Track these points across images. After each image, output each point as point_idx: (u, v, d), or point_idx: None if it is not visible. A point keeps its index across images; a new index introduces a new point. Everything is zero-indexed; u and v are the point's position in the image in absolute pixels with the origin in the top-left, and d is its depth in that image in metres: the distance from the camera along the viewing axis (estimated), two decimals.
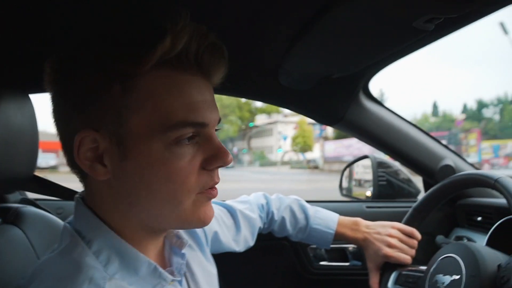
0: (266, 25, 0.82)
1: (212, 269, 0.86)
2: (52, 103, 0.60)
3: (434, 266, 0.89)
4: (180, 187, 0.58)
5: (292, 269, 1.40)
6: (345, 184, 1.68)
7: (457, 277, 0.81)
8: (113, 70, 0.55)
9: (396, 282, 1.04)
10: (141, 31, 0.59)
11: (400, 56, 0.95)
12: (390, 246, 1.06)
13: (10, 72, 1.02)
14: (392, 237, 1.06)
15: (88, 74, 0.56)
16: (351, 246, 1.38)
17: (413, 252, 1.07)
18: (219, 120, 0.64)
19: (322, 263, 1.39)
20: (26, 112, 0.89)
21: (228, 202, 1.11)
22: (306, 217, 1.15)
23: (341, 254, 1.40)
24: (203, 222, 0.62)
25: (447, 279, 0.84)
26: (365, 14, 0.69)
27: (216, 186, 0.64)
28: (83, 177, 0.62)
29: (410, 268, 1.03)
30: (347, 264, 1.39)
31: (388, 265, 1.07)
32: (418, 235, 1.08)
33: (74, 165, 0.60)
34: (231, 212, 1.08)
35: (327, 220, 1.14)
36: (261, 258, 1.42)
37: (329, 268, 1.39)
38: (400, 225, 1.10)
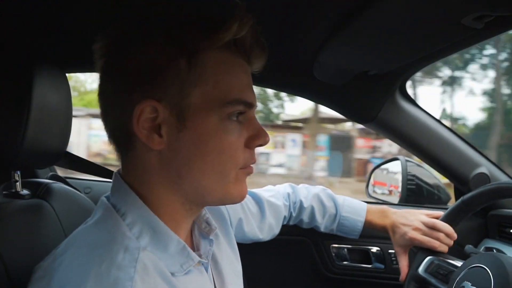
0: (305, 15, 0.80)
1: (237, 263, 0.86)
2: (106, 76, 0.62)
3: (462, 274, 0.86)
4: (230, 160, 0.61)
5: (313, 266, 1.38)
6: (372, 186, 1.64)
7: None
8: (183, 44, 0.58)
9: (426, 269, 1.02)
10: (211, 10, 0.61)
11: (443, 55, 0.91)
12: (415, 229, 1.05)
13: (49, 49, 1.04)
14: (418, 221, 1.06)
15: (155, 48, 0.58)
16: (374, 248, 1.35)
17: (441, 242, 1.04)
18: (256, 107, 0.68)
19: (344, 262, 1.37)
20: (62, 89, 0.90)
21: (254, 190, 1.10)
22: (335, 206, 1.15)
23: (364, 256, 1.37)
24: (242, 197, 0.66)
25: None
26: (411, 8, 0.66)
27: None
28: (127, 151, 0.63)
29: (445, 258, 1.00)
30: (369, 266, 1.36)
31: (422, 250, 1.05)
32: (442, 227, 1.04)
33: (120, 137, 0.62)
34: (257, 199, 1.08)
35: (357, 208, 1.14)
36: (281, 252, 1.41)
37: (351, 268, 1.36)
38: (427, 212, 1.09)
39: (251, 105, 0.63)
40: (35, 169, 1.30)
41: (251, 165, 0.66)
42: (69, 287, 0.51)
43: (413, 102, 1.23)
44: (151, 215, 0.61)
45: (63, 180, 1.19)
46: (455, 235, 1.04)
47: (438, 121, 1.25)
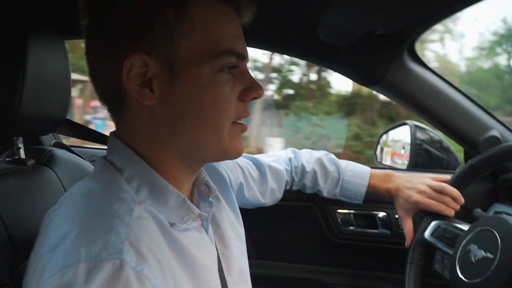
0: None
1: (240, 227, 0.86)
2: (92, 33, 0.60)
3: (469, 237, 0.85)
4: (223, 112, 0.60)
5: (319, 232, 1.39)
6: (380, 151, 1.62)
7: (491, 256, 0.77)
8: None
9: (432, 233, 1.01)
10: None
11: (456, 9, 0.86)
12: (420, 192, 1.03)
13: (45, 15, 1.02)
14: (424, 184, 1.04)
15: (141, 0, 0.56)
16: (381, 213, 1.34)
17: (447, 206, 1.02)
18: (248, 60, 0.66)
19: (350, 228, 1.37)
20: (59, 56, 0.89)
21: (255, 155, 1.10)
22: (338, 170, 1.14)
23: (370, 221, 1.36)
24: (238, 152, 0.65)
25: (480, 253, 0.80)
26: None
27: None
28: (120, 110, 0.62)
29: (451, 222, 0.99)
30: (375, 231, 1.35)
31: (428, 214, 1.04)
32: (449, 191, 1.02)
33: (111, 97, 0.62)
34: (258, 164, 1.07)
35: (360, 172, 1.13)
36: (287, 218, 1.41)
37: (357, 233, 1.36)
38: (433, 176, 1.07)
39: (243, 57, 0.62)
40: (38, 136, 1.31)
41: (245, 123, 0.66)
42: (62, 234, 0.51)
43: (422, 63, 1.18)
44: (149, 169, 0.61)
45: (67, 147, 1.19)
46: (462, 200, 1.02)
47: (449, 82, 1.21)
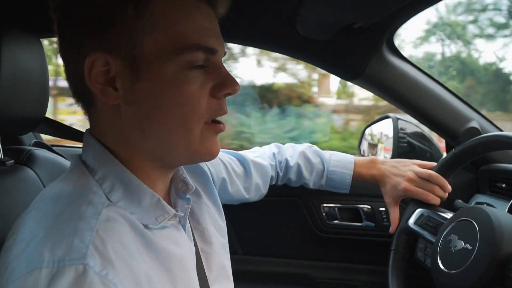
0: None
1: (221, 221, 0.85)
2: (60, 30, 0.59)
3: (450, 227, 0.86)
4: (192, 112, 0.58)
5: (304, 226, 1.39)
6: (364, 144, 1.63)
7: (470, 247, 0.78)
8: None
9: (416, 221, 1.02)
10: None
11: (433, 1, 0.86)
12: (408, 180, 1.03)
13: (20, 13, 1.01)
14: (411, 171, 1.04)
15: None
16: (365, 206, 1.35)
17: (433, 194, 1.03)
18: (225, 54, 0.64)
19: (335, 221, 1.37)
20: (36, 54, 0.88)
21: (239, 152, 1.09)
22: (322, 161, 1.14)
23: (354, 214, 1.37)
24: (211, 154, 0.63)
25: (460, 244, 0.81)
26: None
27: None
28: (89, 107, 0.62)
29: (435, 211, 1.00)
30: (360, 224, 1.36)
31: (413, 202, 1.05)
32: (437, 179, 1.02)
33: (80, 94, 0.61)
34: (241, 160, 1.07)
35: (344, 161, 1.13)
36: (273, 213, 1.41)
37: (341, 227, 1.37)
38: (420, 162, 1.07)
39: (213, 51, 0.59)
40: (16, 135, 1.29)
41: (220, 124, 0.63)
42: (28, 239, 0.50)
43: (401, 56, 1.19)
44: (122, 169, 0.60)
45: (47, 146, 1.17)
46: (449, 187, 1.03)
47: (428, 75, 1.22)
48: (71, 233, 0.49)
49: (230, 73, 0.62)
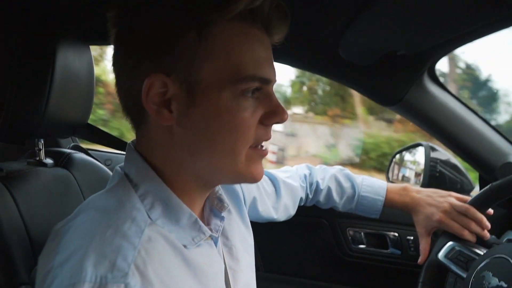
0: None
1: (249, 239, 0.86)
2: (118, 45, 0.60)
3: (484, 263, 0.84)
4: (241, 138, 0.59)
5: (328, 248, 1.38)
6: (393, 171, 1.61)
7: (505, 285, 0.76)
8: (192, 16, 0.55)
9: (447, 255, 0.98)
10: None
11: (480, 35, 0.85)
12: (445, 212, 1.00)
13: (72, 20, 1.04)
14: (448, 203, 1.01)
15: (165, 19, 0.56)
16: (392, 233, 1.33)
17: (469, 230, 0.98)
18: (275, 81, 0.65)
19: (360, 246, 1.36)
20: (84, 60, 0.91)
21: (270, 170, 1.09)
22: (353, 186, 1.12)
23: (381, 240, 1.35)
24: (255, 178, 0.63)
25: (495, 281, 0.79)
26: None
27: None
28: (138, 124, 0.63)
29: (467, 245, 0.97)
30: (386, 251, 1.34)
31: (445, 234, 1.01)
32: (473, 214, 0.98)
33: (132, 111, 0.62)
34: (272, 179, 1.07)
35: (376, 187, 1.11)
36: (298, 233, 1.41)
37: (367, 252, 1.35)
38: (456, 195, 1.03)
39: (267, 81, 0.60)
40: (58, 139, 1.32)
41: (264, 148, 0.64)
42: (73, 249, 0.52)
43: (441, 85, 1.18)
44: (164, 187, 0.60)
45: (84, 150, 1.21)
46: (487, 224, 0.98)
47: (467, 106, 1.21)
48: (115, 250, 0.51)
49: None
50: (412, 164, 1.52)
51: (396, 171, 1.61)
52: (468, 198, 1.05)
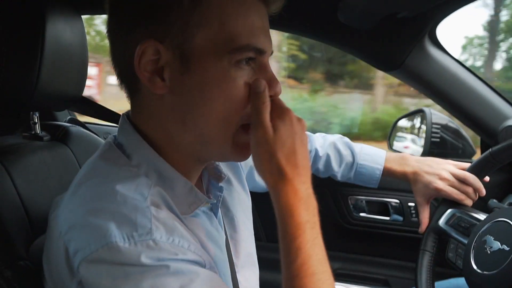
0: None
1: (248, 201, 0.86)
2: (112, 11, 0.59)
3: (485, 227, 0.84)
4: (235, 107, 0.58)
5: (330, 217, 1.39)
6: (394, 136, 1.60)
7: (507, 248, 0.76)
8: None
9: (447, 221, 0.99)
10: None
11: None
12: (442, 179, 1.00)
13: None
14: (446, 171, 1.00)
15: None
16: (393, 200, 1.33)
17: (467, 196, 0.99)
18: (271, 53, 0.63)
19: (362, 214, 1.36)
20: (76, 31, 0.88)
21: None
22: (352, 154, 1.11)
23: (383, 208, 1.36)
24: (244, 155, 0.63)
25: (496, 245, 0.79)
26: None
27: None
28: (133, 93, 0.62)
29: (467, 211, 0.97)
30: (387, 218, 1.35)
31: (444, 202, 1.02)
32: (473, 181, 0.98)
33: (126, 79, 0.61)
34: None
35: (375, 155, 1.10)
36: None
37: (368, 220, 1.36)
38: (455, 163, 1.02)
39: (262, 52, 0.59)
40: (54, 112, 1.31)
41: None
42: (84, 213, 0.52)
43: (443, 49, 1.16)
44: (156, 156, 0.60)
45: (81, 124, 1.19)
46: (483, 191, 0.99)
47: (469, 69, 1.18)
48: (132, 210, 0.51)
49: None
50: (414, 130, 1.51)
51: (397, 138, 1.60)
52: (467, 165, 1.04)
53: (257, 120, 0.58)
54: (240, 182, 0.86)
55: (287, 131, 0.59)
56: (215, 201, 0.69)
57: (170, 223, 0.53)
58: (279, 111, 0.60)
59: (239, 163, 0.89)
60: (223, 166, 0.76)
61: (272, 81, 0.60)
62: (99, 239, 0.49)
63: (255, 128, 0.59)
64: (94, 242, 0.49)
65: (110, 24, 0.60)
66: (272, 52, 0.63)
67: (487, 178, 1.00)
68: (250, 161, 0.95)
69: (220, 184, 0.73)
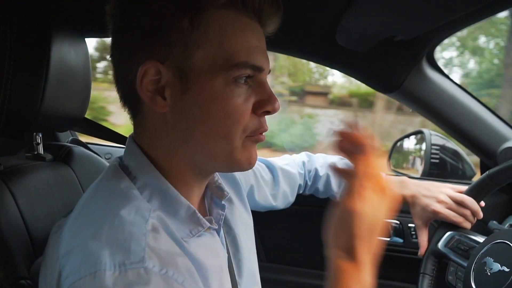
0: None
1: (249, 220, 0.87)
2: (115, 36, 0.61)
3: (484, 249, 0.83)
4: (235, 125, 0.59)
5: None
6: (394, 158, 1.61)
7: (507, 270, 0.76)
8: (185, 3, 0.56)
9: (447, 244, 0.99)
10: None
11: (478, 18, 0.84)
12: (440, 202, 1.00)
13: (67, 12, 1.04)
14: (444, 194, 1.01)
15: (158, 7, 0.56)
16: (393, 222, 1.33)
17: (465, 219, 0.99)
18: (269, 71, 0.65)
19: None
20: (80, 53, 0.90)
21: (268, 158, 1.09)
22: None
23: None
24: (249, 164, 0.64)
25: (496, 267, 0.79)
26: None
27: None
28: (136, 113, 0.63)
29: (466, 234, 0.97)
30: (387, 239, 1.34)
31: (443, 224, 1.02)
32: (471, 204, 0.98)
33: (129, 100, 0.63)
34: (270, 167, 1.07)
35: None
36: (299, 223, 1.41)
37: None
38: (453, 187, 1.03)
39: (260, 69, 0.60)
40: (56, 133, 1.32)
41: (261, 133, 0.64)
42: (82, 239, 0.52)
43: (440, 71, 1.17)
44: (161, 179, 0.61)
45: (83, 144, 1.20)
46: (481, 214, 1.00)
47: (467, 91, 1.20)
48: (127, 237, 0.51)
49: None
50: (413, 151, 1.52)
51: (397, 159, 1.61)
52: (464, 188, 1.04)
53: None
54: (242, 201, 0.87)
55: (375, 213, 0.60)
56: (216, 227, 0.69)
57: (166, 254, 0.52)
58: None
59: (240, 182, 0.90)
60: (224, 185, 0.76)
61: (270, 99, 0.61)
62: (89, 266, 0.48)
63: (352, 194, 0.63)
64: (84, 268, 0.48)
65: (113, 49, 0.62)
66: (269, 71, 0.64)
67: (482, 203, 1.01)
68: (250, 179, 0.97)
69: (223, 202, 0.73)
